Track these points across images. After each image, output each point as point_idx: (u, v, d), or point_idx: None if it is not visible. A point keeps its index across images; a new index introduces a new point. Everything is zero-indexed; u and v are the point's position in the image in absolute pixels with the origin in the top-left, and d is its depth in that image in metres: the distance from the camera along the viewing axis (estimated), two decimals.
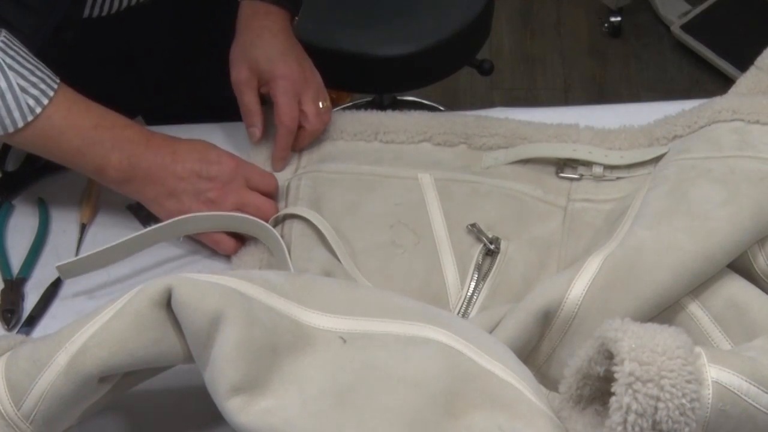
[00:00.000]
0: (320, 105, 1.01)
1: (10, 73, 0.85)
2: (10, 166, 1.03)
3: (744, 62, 1.03)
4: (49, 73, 0.89)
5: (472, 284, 0.87)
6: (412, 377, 0.66)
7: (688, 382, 0.60)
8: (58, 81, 0.89)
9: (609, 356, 0.63)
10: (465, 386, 0.67)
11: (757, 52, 1.00)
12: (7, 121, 0.86)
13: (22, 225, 0.99)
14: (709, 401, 0.61)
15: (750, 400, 0.62)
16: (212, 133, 1.05)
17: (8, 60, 0.86)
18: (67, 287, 0.94)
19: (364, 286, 0.85)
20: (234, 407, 0.66)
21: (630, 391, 0.59)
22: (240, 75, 1.00)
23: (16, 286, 0.93)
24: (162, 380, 0.77)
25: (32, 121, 0.87)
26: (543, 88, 2.42)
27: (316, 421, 0.65)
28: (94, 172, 0.91)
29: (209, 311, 0.67)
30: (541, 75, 2.45)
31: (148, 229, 0.90)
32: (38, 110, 0.87)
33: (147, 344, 0.69)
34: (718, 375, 0.62)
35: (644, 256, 0.78)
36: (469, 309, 0.86)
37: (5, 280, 0.93)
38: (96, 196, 1.00)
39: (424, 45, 1.52)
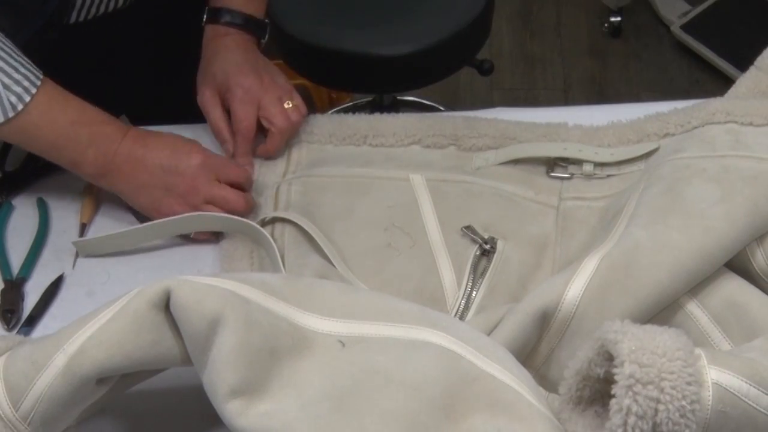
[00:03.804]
0: (285, 105, 1.02)
1: None
2: (10, 166, 1.04)
3: (744, 62, 1.03)
4: (33, 69, 0.90)
5: (469, 285, 0.87)
6: (411, 381, 0.66)
7: (689, 384, 0.60)
8: (41, 77, 0.90)
9: (609, 358, 0.63)
10: (464, 389, 0.67)
11: (757, 52, 1.00)
12: None
13: (22, 225, 0.99)
14: (709, 403, 0.61)
15: (750, 402, 0.62)
16: (195, 134, 1.04)
17: None
18: (67, 287, 0.94)
19: (362, 289, 0.85)
20: (233, 410, 0.66)
21: (630, 393, 0.59)
22: (203, 96, 1.03)
23: (16, 286, 0.93)
24: (161, 381, 0.77)
25: (12, 117, 0.88)
26: (543, 88, 2.42)
27: (314, 425, 0.64)
28: (69, 165, 0.93)
29: (208, 314, 0.67)
30: (541, 75, 2.45)
31: (162, 221, 0.93)
32: (20, 107, 0.88)
33: (145, 346, 0.69)
34: (718, 377, 0.62)
35: (641, 255, 0.78)
36: (467, 310, 0.86)
37: (5, 280, 0.93)
38: (96, 196, 1.00)
39: (424, 45, 1.51)
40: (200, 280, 0.70)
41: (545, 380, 0.80)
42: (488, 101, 2.37)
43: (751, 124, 0.90)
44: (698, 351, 0.63)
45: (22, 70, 0.88)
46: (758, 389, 0.62)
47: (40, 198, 1.01)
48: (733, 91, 0.99)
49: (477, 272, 0.88)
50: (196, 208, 0.93)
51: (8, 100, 0.87)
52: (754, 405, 0.62)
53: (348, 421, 0.65)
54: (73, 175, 1.02)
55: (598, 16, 2.56)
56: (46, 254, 0.97)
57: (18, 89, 0.88)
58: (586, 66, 2.46)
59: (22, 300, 0.92)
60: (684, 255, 0.78)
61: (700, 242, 0.78)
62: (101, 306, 0.71)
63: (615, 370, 0.61)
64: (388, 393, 0.66)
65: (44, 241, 0.97)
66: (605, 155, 0.95)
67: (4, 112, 0.88)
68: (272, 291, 0.71)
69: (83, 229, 0.98)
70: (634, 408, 0.59)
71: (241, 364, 0.66)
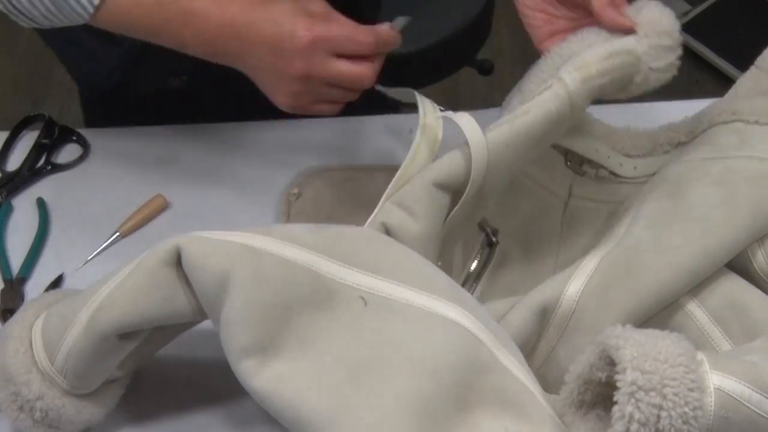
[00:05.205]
0: None
1: None
2: (10, 166, 1.03)
3: (744, 62, 1.02)
4: None
5: (471, 280, 0.87)
6: (430, 363, 0.65)
7: (691, 390, 0.60)
8: None
9: (610, 362, 0.63)
10: (479, 380, 0.66)
11: (757, 52, 0.99)
12: (78, 9, 0.81)
13: (22, 225, 0.99)
14: (712, 409, 0.61)
15: (752, 407, 0.62)
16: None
17: None
18: (68, 287, 0.93)
19: (392, 242, 0.78)
20: (246, 370, 0.65)
21: (632, 400, 0.59)
22: None
23: (16, 286, 0.93)
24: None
25: (100, 4, 0.81)
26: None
27: (328, 397, 0.64)
28: (176, 48, 0.84)
29: (216, 271, 0.66)
30: None
31: None
32: None
33: (158, 303, 0.69)
34: (721, 382, 0.61)
35: (642, 254, 0.78)
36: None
37: (5, 280, 0.93)
38: (145, 219, 0.99)
39: (424, 45, 1.51)
40: (213, 234, 0.69)
41: (544, 380, 0.79)
42: (488, 101, 2.36)
43: (757, 122, 0.90)
44: (700, 356, 0.63)
45: None
46: (761, 394, 0.62)
47: (40, 198, 1.00)
48: (733, 91, 0.99)
49: (480, 262, 0.88)
50: (315, 94, 0.83)
51: None
52: (757, 410, 0.62)
53: (361, 397, 0.64)
54: (73, 174, 1.03)
55: None
56: (46, 254, 0.96)
57: None
58: None
59: (22, 300, 0.92)
60: (685, 254, 0.78)
61: (701, 242, 0.78)
62: (123, 263, 0.72)
63: (617, 377, 0.61)
64: (405, 372, 0.65)
65: (44, 241, 0.97)
66: (628, 168, 0.94)
67: (90, 2, 0.81)
68: (294, 239, 0.70)
69: (115, 238, 0.97)
70: (637, 415, 0.59)
71: (252, 323, 0.65)
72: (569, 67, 0.80)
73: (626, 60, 0.81)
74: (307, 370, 0.65)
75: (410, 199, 0.77)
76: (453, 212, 0.79)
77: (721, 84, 2.24)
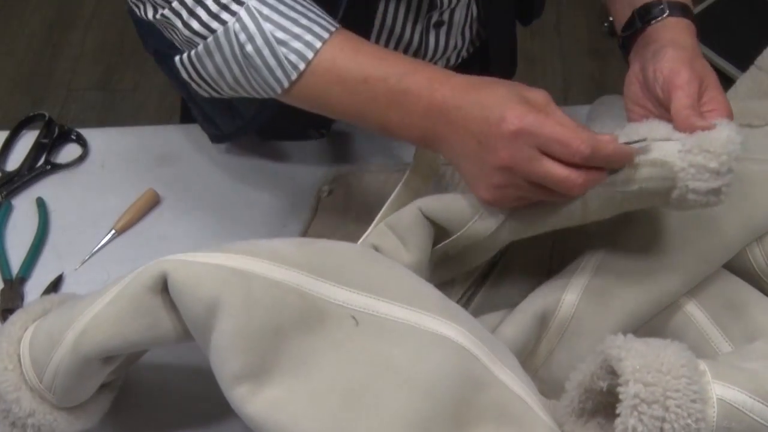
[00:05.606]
0: None
1: (267, 25, 0.74)
2: (10, 166, 1.03)
3: (744, 62, 1.02)
4: (320, 19, 0.76)
5: (471, 290, 0.87)
6: (425, 382, 0.65)
7: (693, 401, 0.60)
8: (332, 29, 0.76)
9: (612, 371, 0.63)
10: (475, 396, 0.66)
11: (757, 52, 1.00)
12: (272, 81, 0.76)
13: (22, 225, 0.99)
14: (714, 420, 0.61)
15: (754, 416, 0.62)
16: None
17: (266, 10, 0.75)
18: (67, 287, 0.94)
19: (382, 259, 0.77)
20: (239, 397, 0.64)
21: (635, 413, 0.59)
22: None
23: (16, 286, 0.93)
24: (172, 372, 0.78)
25: (297, 78, 0.76)
26: (543, 88, 2.42)
27: (323, 420, 0.63)
28: (378, 131, 0.78)
29: (205, 298, 0.65)
30: (541, 75, 2.45)
31: None
32: (302, 66, 0.75)
33: (142, 329, 0.68)
34: (723, 392, 0.61)
35: (639, 256, 0.78)
36: (467, 309, 0.86)
37: (5, 280, 0.93)
38: (141, 211, 0.99)
39: None
40: (199, 258, 0.68)
41: (544, 383, 0.79)
42: None
43: (749, 125, 0.90)
44: (702, 366, 0.63)
45: (304, 21, 0.75)
46: (762, 403, 0.62)
47: (40, 198, 1.00)
48: (733, 91, 0.99)
49: (481, 274, 0.88)
50: (518, 190, 0.72)
51: (287, 59, 0.75)
52: (759, 419, 0.62)
53: (357, 420, 0.63)
54: (73, 174, 1.03)
55: (598, 16, 2.56)
56: (46, 254, 0.97)
57: (298, 45, 0.75)
58: (586, 66, 2.46)
59: (22, 300, 0.92)
60: (683, 255, 0.78)
61: (699, 243, 0.78)
62: (110, 282, 0.71)
63: (619, 389, 0.61)
64: (400, 393, 0.64)
65: (44, 241, 0.97)
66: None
67: (286, 75, 0.76)
68: (282, 259, 0.69)
69: (111, 235, 0.97)
70: (640, 428, 0.59)
71: (242, 349, 0.64)
72: None
73: (659, 172, 0.71)
74: (302, 394, 0.64)
75: (403, 227, 0.76)
76: (436, 247, 0.78)
77: (721, 84, 2.24)
